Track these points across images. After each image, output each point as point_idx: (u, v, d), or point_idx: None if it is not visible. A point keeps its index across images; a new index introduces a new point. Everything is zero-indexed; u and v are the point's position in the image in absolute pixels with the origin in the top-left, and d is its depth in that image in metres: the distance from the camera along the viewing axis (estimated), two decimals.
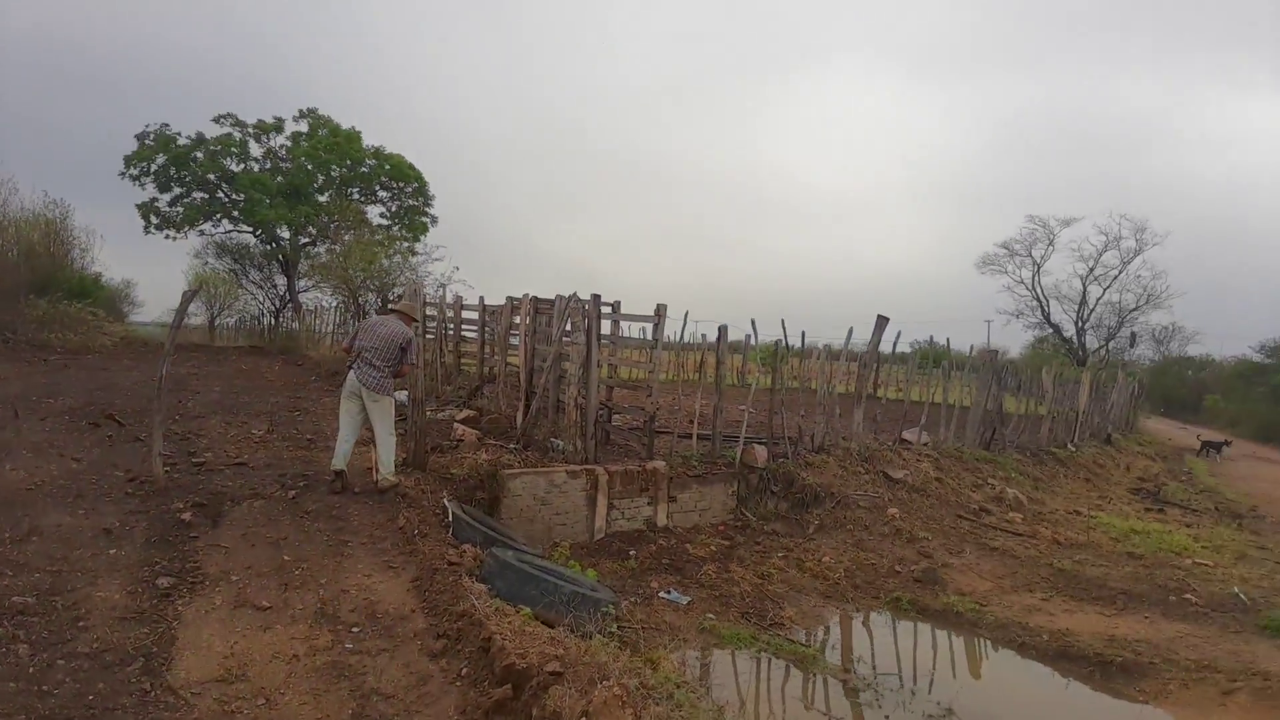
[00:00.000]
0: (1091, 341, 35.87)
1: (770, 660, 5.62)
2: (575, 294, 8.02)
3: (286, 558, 4.37)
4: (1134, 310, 34.23)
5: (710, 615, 6.15)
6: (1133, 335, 35.82)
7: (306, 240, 21.80)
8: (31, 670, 3.04)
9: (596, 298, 8.09)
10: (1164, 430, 27.02)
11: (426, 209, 23.68)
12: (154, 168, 19.36)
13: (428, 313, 13.10)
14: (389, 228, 22.30)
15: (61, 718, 2.78)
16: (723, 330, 9.05)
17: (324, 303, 21.18)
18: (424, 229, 23.17)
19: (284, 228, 20.66)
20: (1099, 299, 34.70)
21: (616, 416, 9.60)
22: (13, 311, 13.29)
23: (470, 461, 6.89)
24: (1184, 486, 14.72)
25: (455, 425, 8.42)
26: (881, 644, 6.11)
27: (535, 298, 9.14)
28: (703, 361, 10.37)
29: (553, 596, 4.65)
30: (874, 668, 5.57)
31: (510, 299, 10.02)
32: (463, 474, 6.71)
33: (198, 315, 24.74)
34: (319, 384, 11.96)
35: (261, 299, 23.50)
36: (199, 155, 19.54)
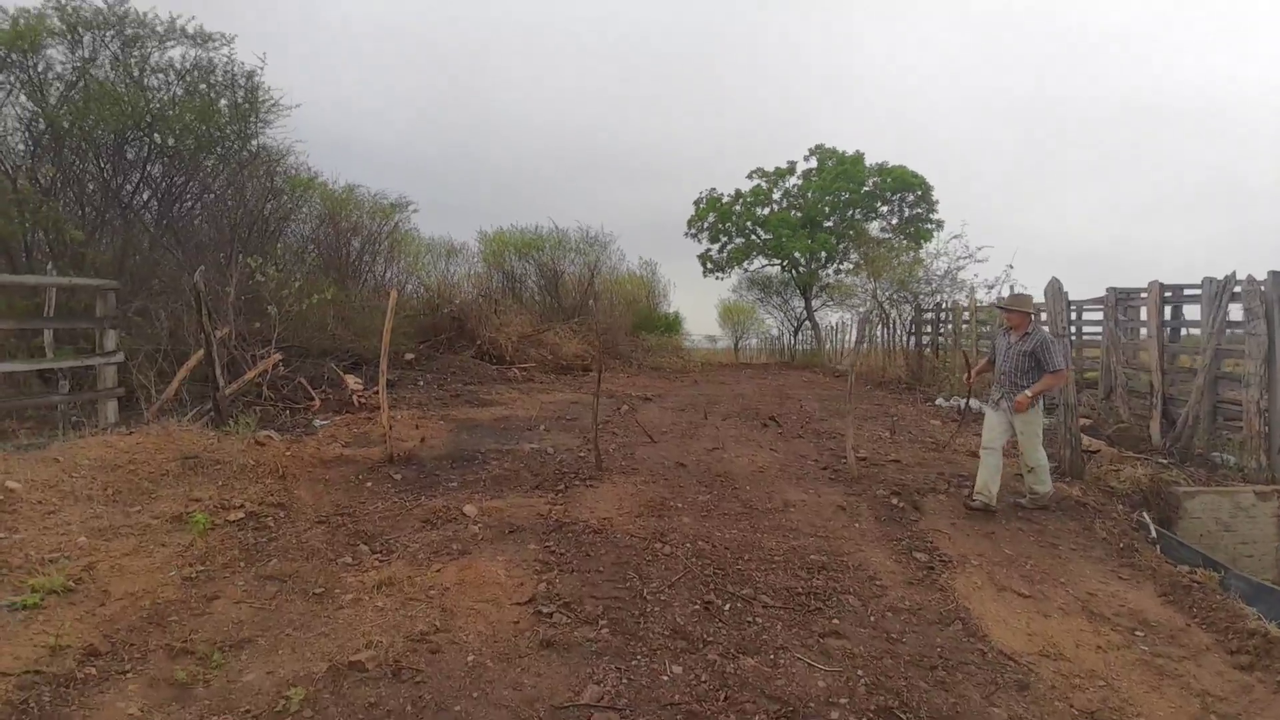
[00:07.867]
0: None
1: None
2: (1237, 273, 6.48)
3: (1008, 551, 4.60)
4: None
5: None
6: None
7: (818, 264, 23.91)
8: (872, 618, 3.63)
9: (1277, 274, 6.39)
10: None
11: (930, 215, 23.20)
12: (707, 224, 24.24)
13: (978, 317, 12.61)
14: (889, 239, 22.65)
15: (926, 663, 3.20)
16: None
17: (835, 319, 23.02)
18: (928, 236, 22.71)
19: (801, 256, 23.12)
20: None
21: None
22: (631, 344, 18.33)
23: (1128, 475, 6.19)
24: None
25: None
26: None
27: (1163, 284, 7.75)
28: None
29: None
30: None
31: (1112, 289, 8.76)
32: (1124, 488, 6.07)
33: (723, 339, 30.17)
34: (874, 391, 12.75)
35: (780, 320, 26.88)
36: (738, 208, 23.60)
